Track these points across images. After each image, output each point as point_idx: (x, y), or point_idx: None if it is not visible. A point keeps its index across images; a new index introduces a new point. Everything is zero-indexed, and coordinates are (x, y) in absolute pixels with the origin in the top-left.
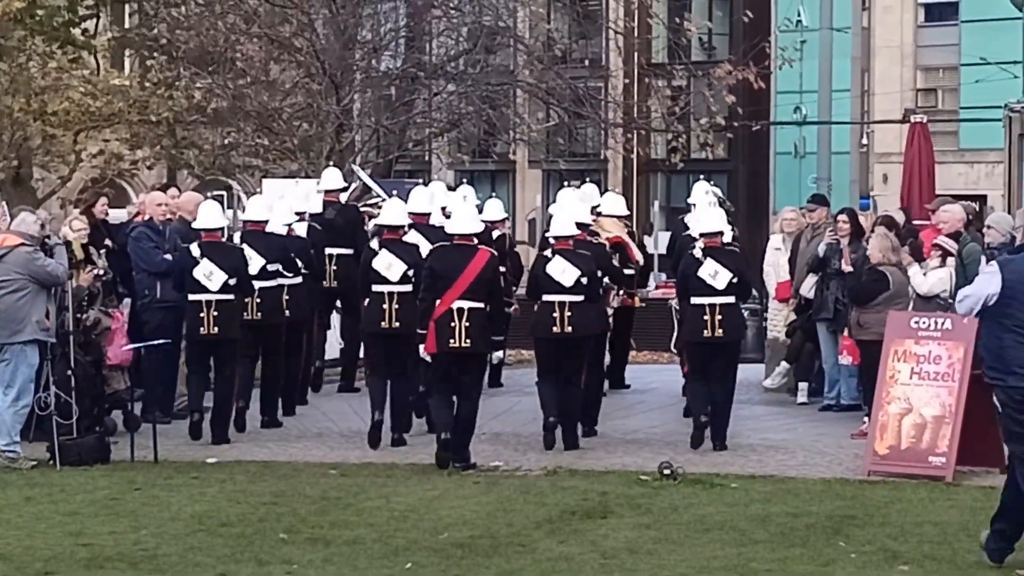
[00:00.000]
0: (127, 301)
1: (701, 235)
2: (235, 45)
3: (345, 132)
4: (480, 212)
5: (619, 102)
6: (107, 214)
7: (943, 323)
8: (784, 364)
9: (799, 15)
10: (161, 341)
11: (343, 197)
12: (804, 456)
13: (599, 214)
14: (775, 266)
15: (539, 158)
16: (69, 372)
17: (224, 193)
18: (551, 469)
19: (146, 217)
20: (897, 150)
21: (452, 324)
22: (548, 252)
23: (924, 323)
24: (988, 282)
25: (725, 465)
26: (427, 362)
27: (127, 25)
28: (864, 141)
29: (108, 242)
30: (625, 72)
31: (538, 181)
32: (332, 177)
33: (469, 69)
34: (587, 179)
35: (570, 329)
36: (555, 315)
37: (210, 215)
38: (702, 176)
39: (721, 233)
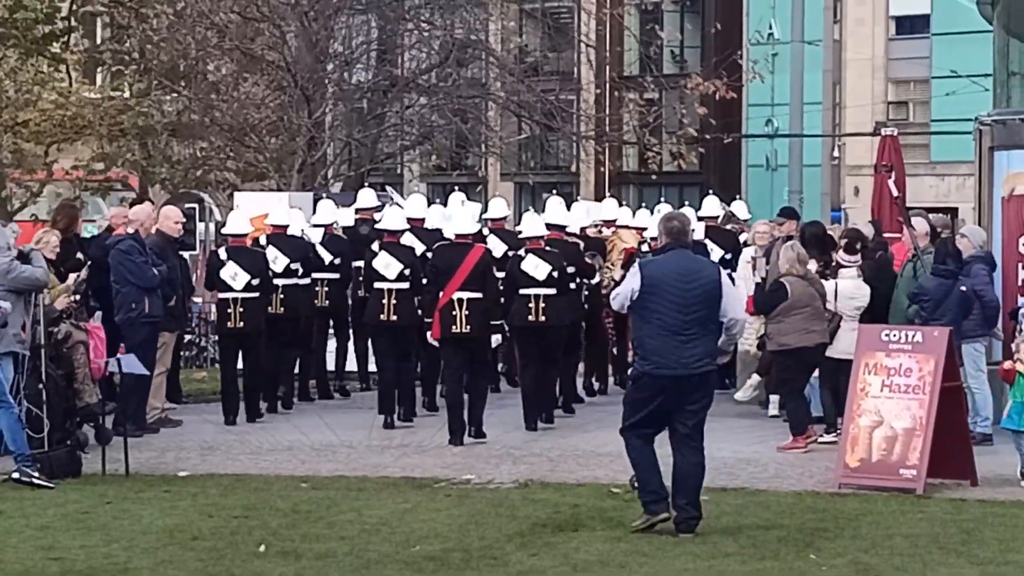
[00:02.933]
0: (98, 314)
1: (526, 238)
2: (207, 59)
3: (317, 145)
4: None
5: (590, 115)
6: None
7: (914, 336)
8: (755, 377)
9: (770, 28)
10: (141, 372)
11: (378, 216)
12: (775, 468)
13: (618, 226)
14: (746, 279)
15: (511, 170)
16: (40, 385)
17: (196, 206)
18: (523, 482)
19: (130, 230)
20: (868, 163)
21: (454, 313)
22: (522, 251)
23: (895, 336)
24: (631, 281)
25: None
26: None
27: (99, 39)
28: (836, 154)
29: (80, 256)
30: (597, 85)
31: (510, 193)
32: (367, 197)
33: (441, 82)
34: (608, 194)
35: (544, 319)
36: (531, 306)
37: (237, 222)
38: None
39: (542, 237)
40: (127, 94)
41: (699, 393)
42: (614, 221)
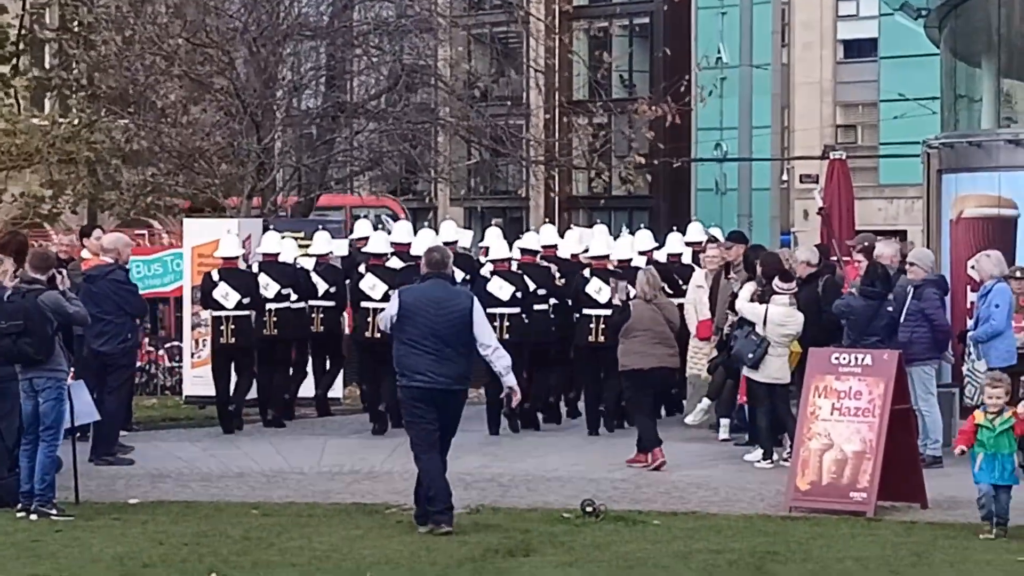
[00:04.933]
0: None
1: (491, 260)
2: (155, 85)
3: (266, 171)
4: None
5: (540, 139)
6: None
7: (863, 359)
8: (706, 400)
9: (719, 52)
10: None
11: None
12: (726, 492)
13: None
14: (696, 303)
15: (460, 196)
16: None
17: (145, 233)
18: (473, 508)
19: (108, 259)
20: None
21: None
22: (487, 273)
23: (844, 359)
24: (391, 306)
25: (647, 502)
26: None
27: (47, 65)
28: (784, 177)
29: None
30: (546, 110)
31: (460, 218)
32: (362, 227)
33: (390, 108)
34: (597, 220)
35: (507, 336)
36: (495, 324)
37: (228, 246)
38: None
39: (509, 259)
40: (76, 121)
41: (451, 406)
42: (554, 247)
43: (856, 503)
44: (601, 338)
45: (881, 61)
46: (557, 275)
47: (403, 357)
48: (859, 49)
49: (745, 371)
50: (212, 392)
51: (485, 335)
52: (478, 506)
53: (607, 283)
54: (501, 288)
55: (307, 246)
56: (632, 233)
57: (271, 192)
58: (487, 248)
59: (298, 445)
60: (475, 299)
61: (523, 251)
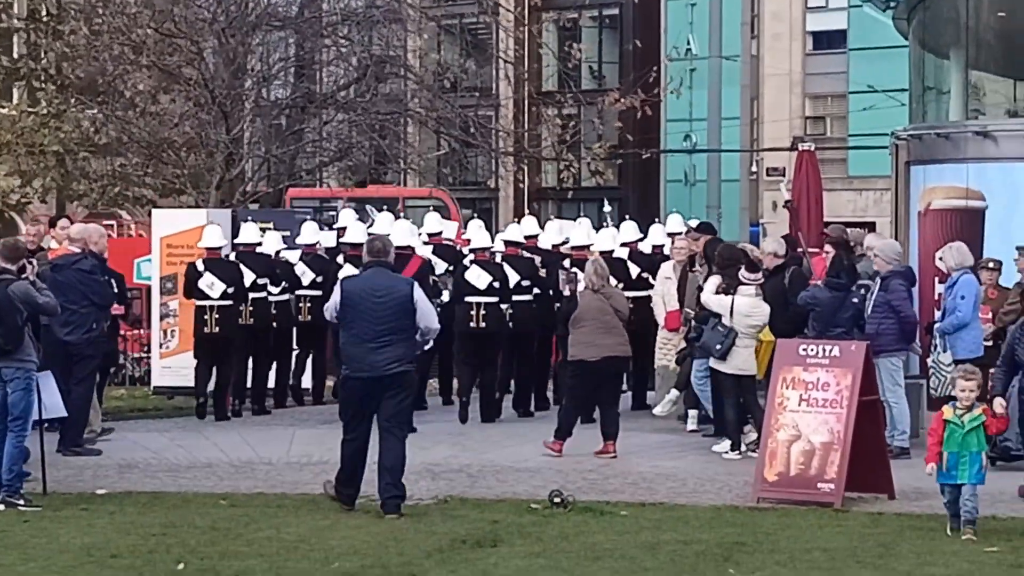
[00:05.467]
0: None
1: (472, 250)
2: (124, 75)
3: (235, 162)
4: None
5: (509, 131)
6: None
7: (831, 350)
8: (674, 391)
9: (688, 43)
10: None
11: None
12: (694, 483)
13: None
14: (664, 295)
15: (429, 186)
16: None
17: (114, 223)
18: (442, 498)
19: (75, 248)
20: (786, 177)
21: None
22: (467, 262)
23: (812, 350)
24: (334, 296)
25: (615, 493)
26: None
27: (15, 55)
28: (754, 169)
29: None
30: (515, 101)
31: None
32: (347, 217)
33: (359, 98)
34: (625, 216)
35: (484, 325)
36: (471, 312)
37: (212, 236)
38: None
39: (489, 250)
40: (44, 112)
41: (394, 390)
42: (535, 238)
43: (824, 494)
44: (483, 324)
45: (850, 53)
46: (540, 266)
47: (346, 346)
48: (828, 40)
49: (712, 363)
50: (180, 383)
51: (428, 319)
52: (446, 496)
53: (487, 272)
54: (479, 277)
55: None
56: (616, 225)
57: (239, 183)
58: (469, 239)
59: (266, 435)
60: (415, 285)
61: (506, 243)
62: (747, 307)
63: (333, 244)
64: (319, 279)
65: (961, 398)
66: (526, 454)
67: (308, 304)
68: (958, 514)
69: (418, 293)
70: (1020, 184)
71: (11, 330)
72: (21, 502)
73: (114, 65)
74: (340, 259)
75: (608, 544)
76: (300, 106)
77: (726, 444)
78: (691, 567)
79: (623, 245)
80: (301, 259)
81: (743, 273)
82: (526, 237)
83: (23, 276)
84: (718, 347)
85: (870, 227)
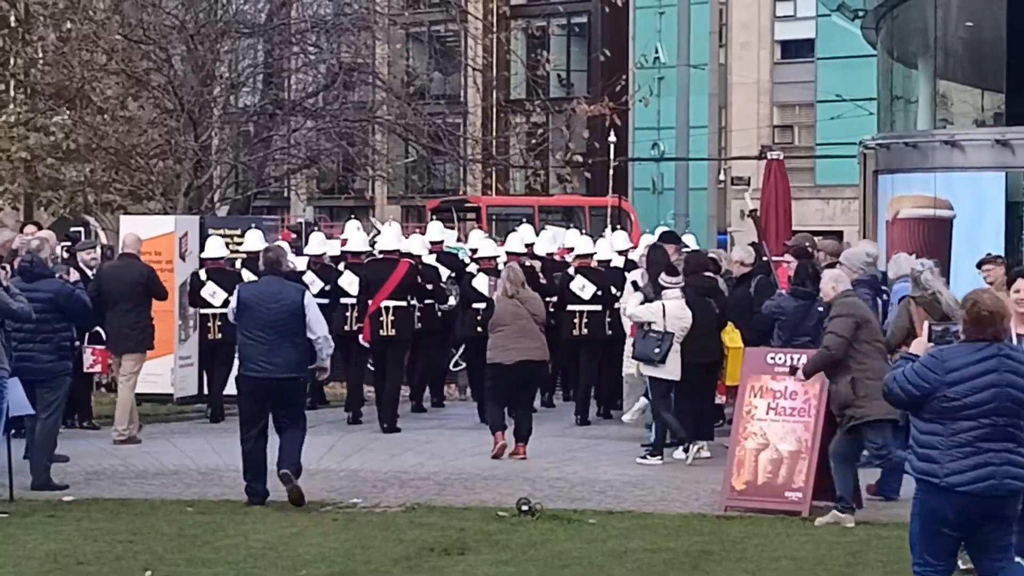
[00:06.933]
0: None
1: (477, 259)
2: (92, 81)
3: (203, 168)
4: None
5: (477, 138)
6: None
7: (799, 359)
8: (643, 399)
9: (657, 52)
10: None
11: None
12: (662, 491)
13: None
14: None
15: (397, 193)
16: None
17: (81, 230)
18: (409, 506)
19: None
20: (754, 186)
21: (381, 319)
22: (473, 269)
23: (780, 359)
24: (233, 301)
25: (583, 501)
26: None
27: None
28: (721, 177)
29: None
30: (483, 108)
31: (397, 217)
32: (350, 228)
33: (327, 105)
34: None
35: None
36: (478, 317)
37: (214, 247)
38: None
39: (495, 258)
40: (12, 118)
41: (287, 392)
42: (531, 245)
43: (791, 502)
44: (585, 331)
45: (818, 62)
46: (541, 274)
47: (242, 347)
48: (796, 50)
49: (647, 370)
50: (147, 389)
51: (315, 325)
52: (414, 504)
53: (592, 281)
54: (485, 285)
55: (241, 243)
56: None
57: (208, 189)
58: (473, 249)
59: (233, 442)
60: (306, 293)
61: (508, 253)
62: (676, 309)
63: (337, 252)
64: (327, 287)
65: None
66: (494, 462)
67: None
68: None
69: (308, 300)
70: (987, 193)
71: None
72: None
73: (82, 71)
74: (340, 266)
75: (576, 552)
76: (269, 113)
77: (680, 450)
78: (659, 575)
79: (619, 253)
80: (309, 267)
81: (663, 277)
82: (525, 245)
83: None
84: (656, 351)
85: (838, 236)
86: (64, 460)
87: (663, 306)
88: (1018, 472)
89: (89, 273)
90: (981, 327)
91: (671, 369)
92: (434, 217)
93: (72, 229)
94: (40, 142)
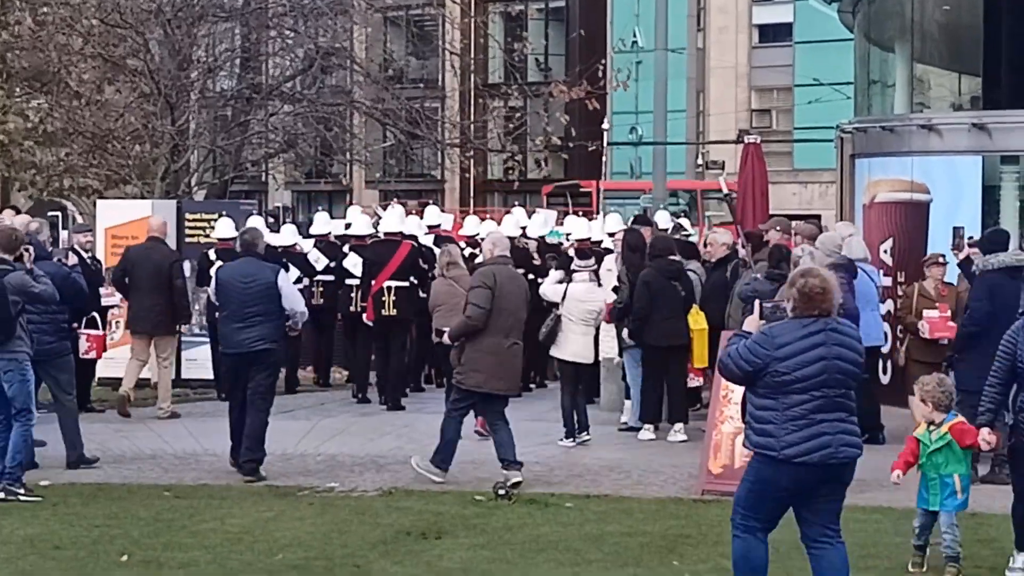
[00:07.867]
0: None
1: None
2: (69, 65)
3: (180, 152)
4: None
5: (455, 122)
6: None
7: None
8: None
9: (634, 36)
10: None
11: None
12: (639, 475)
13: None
14: (607, 287)
15: (375, 178)
16: None
17: (59, 214)
18: (386, 490)
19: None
20: (732, 170)
21: (383, 299)
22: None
23: None
24: (212, 282)
25: (560, 485)
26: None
27: None
28: (700, 161)
29: None
30: (461, 92)
31: (374, 201)
32: (353, 214)
33: (305, 90)
34: (516, 202)
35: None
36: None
37: (225, 228)
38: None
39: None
40: None
41: (258, 365)
42: (523, 228)
43: None
44: None
45: (796, 46)
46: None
47: (221, 326)
48: (774, 34)
49: (552, 351)
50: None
51: (291, 302)
52: (391, 488)
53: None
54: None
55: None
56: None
57: (185, 174)
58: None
59: (211, 427)
60: (280, 272)
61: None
62: (582, 292)
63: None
64: (332, 264)
65: (916, 416)
66: (470, 447)
67: (321, 288)
68: (923, 546)
69: (283, 279)
70: (964, 177)
71: (3, 321)
72: (21, 491)
73: (59, 55)
74: (345, 248)
75: (552, 536)
76: (246, 97)
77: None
78: (635, 559)
79: (610, 235)
80: (315, 246)
81: (575, 261)
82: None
83: (21, 265)
84: (543, 331)
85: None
86: (41, 444)
87: (565, 289)
88: (852, 439)
89: (86, 256)
90: (811, 303)
91: (570, 351)
92: (549, 202)
93: (50, 213)
94: (18, 126)
